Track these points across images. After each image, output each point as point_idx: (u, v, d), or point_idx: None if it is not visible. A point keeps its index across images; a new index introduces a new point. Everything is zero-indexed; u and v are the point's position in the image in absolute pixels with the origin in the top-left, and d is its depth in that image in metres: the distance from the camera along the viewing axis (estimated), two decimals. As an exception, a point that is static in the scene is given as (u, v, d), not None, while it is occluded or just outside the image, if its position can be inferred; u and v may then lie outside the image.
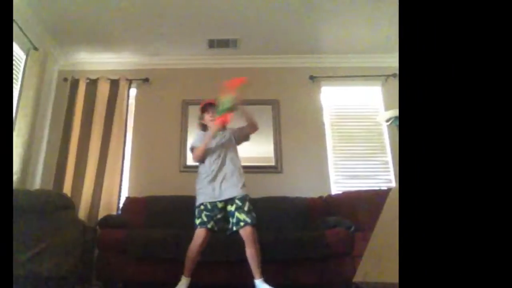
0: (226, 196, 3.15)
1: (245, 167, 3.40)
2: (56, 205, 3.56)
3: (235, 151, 3.38)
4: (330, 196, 4.68)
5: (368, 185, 4.94)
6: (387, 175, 5.10)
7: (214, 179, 3.21)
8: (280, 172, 5.02)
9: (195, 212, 3.25)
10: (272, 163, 5.04)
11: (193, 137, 3.58)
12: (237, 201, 3.11)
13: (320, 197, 4.63)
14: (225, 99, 3.25)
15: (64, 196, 3.93)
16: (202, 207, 3.18)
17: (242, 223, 3.03)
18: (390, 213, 1.92)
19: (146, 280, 3.58)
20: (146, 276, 3.56)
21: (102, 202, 4.82)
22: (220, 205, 3.16)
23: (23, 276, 3.00)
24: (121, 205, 4.74)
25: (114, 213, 4.71)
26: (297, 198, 4.52)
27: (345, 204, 4.34)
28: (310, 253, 3.48)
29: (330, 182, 5.02)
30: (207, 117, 3.45)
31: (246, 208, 3.09)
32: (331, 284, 3.48)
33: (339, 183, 5.07)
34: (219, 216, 3.13)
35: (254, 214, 3.09)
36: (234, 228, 3.07)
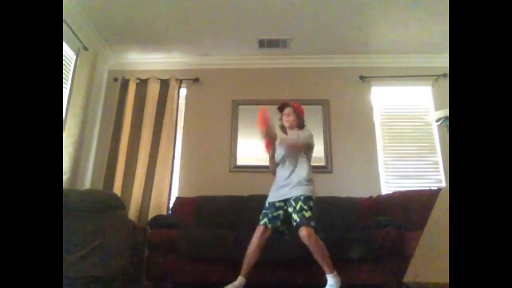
0: (283, 197, 3.53)
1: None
2: (106, 205, 3.84)
3: (296, 157, 3.66)
4: (380, 196, 4.97)
5: (418, 185, 5.23)
6: (437, 175, 5.40)
7: (278, 181, 3.66)
8: (330, 172, 5.36)
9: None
10: (322, 163, 5.38)
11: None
12: (292, 202, 3.44)
13: (370, 197, 4.91)
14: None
15: (114, 196, 4.23)
16: (267, 204, 3.60)
17: (294, 223, 3.34)
18: (440, 213, 2.05)
19: (195, 280, 3.80)
20: (196, 276, 3.79)
21: (152, 202, 5.15)
22: (278, 204, 3.54)
23: (73, 277, 3.17)
24: (171, 205, 5.06)
25: (164, 213, 5.04)
26: (347, 198, 4.79)
27: (395, 204, 4.59)
28: (360, 253, 3.67)
29: (380, 182, 5.33)
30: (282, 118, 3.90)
31: (298, 208, 3.37)
32: (381, 284, 3.65)
33: (389, 183, 5.41)
34: (275, 214, 3.50)
35: (307, 214, 3.33)
36: (292, 228, 3.40)
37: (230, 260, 3.58)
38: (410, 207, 4.42)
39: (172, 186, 5.33)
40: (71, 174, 4.54)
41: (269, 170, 3.83)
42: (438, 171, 5.41)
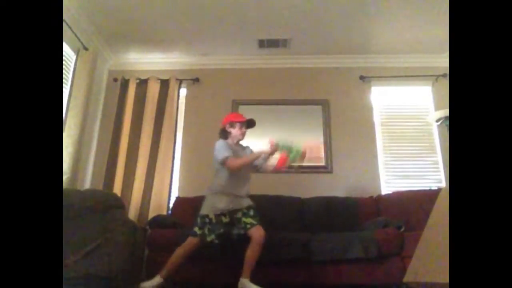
0: (235, 207, 3.51)
1: (296, 167, 3.74)
2: (106, 205, 3.83)
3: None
4: (380, 196, 4.96)
5: (418, 185, 5.23)
6: (437, 175, 5.40)
7: (230, 191, 3.56)
8: (330, 172, 5.34)
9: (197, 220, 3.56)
10: (322, 163, 5.36)
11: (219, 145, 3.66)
12: (244, 210, 3.50)
13: (370, 197, 4.91)
14: (296, 151, 3.44)
15: (114, 196, 4.23)
16: (214, 219, 3.47)
17: (248, 225, 3.41)
18: (440, 213, 1.89)
19: (195, 280, 3.80)
20: (196, 277, 3.78)
21: (152, 202, 5.15)
22: (225, 219, 3.47)
23: (72, 277, 3.09)
24: (171, 205, 5.07)
25: (164, 213, 5.04)
26: (347, 198, 4.80)
27: (395, 204, 4.61)
28: (360, 253, 3.62)
29: (381, 182, 5.32)
30: (238, 131, 3.76)
31: (252, 213, 3.49)
32: (381, 284, 3.63)
33: (389, 183, 5.40)
34: (218, 232, 3.43)
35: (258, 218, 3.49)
36: (242, 232, 3.44)
37: (230, 260, 3.57)
38: (410, 207, 4.43)
39: (172, 186, 5.30)
40: (71, 174, 4.53)
41: (238, 168, 3.55)
42: (438, 171, 5.41)
